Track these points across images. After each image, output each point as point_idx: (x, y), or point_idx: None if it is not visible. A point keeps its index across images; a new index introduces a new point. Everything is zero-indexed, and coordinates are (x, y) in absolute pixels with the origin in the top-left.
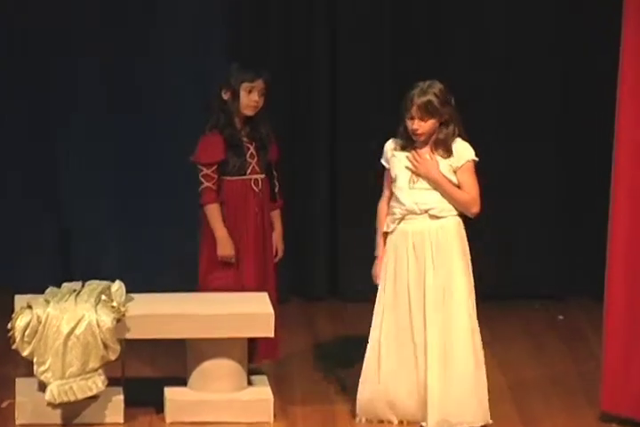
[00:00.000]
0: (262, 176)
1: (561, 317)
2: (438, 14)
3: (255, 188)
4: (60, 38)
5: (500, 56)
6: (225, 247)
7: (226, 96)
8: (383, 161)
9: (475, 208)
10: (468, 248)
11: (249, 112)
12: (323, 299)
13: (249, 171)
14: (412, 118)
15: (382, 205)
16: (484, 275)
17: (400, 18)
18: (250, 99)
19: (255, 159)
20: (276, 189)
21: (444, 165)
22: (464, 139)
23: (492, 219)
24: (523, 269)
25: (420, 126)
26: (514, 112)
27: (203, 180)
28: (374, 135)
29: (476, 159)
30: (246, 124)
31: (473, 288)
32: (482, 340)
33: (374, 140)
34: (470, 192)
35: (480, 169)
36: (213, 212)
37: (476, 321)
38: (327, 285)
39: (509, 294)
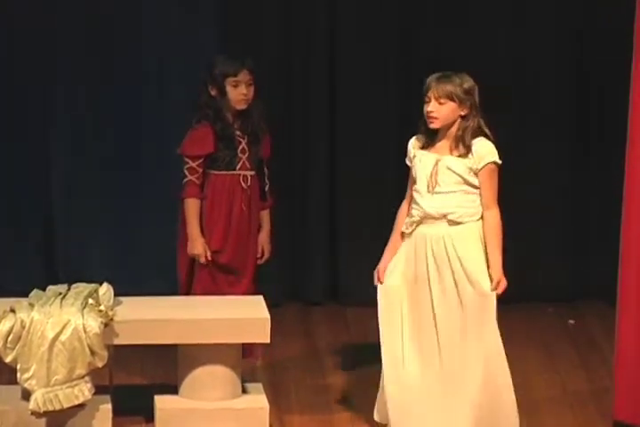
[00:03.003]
0: (252, 173)
1: (572, 321)
2: (440, 13)
3: (243, 184)
4: (49, 39)
5: (503, 55)
6: (195, 246)
7: (213, 92)
8: (407, 160)
9: (498, 220)
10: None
11: (241, 106)
12: (321, 303)
13: (239, 166)
14: (429, 101)
15: (403, 205)
16: None
17: (401, 17)
18: (238, 93)
19: (246, 154)
20: (267, 188)
21: (461, 165)
22: (489, 140)
23: (504, 223)
24: (535, 273)
25: (436, 109)
26: (524, 114)
27: (187, 173)
28: (374, 135)
29: (498, 162)
30: (238, 117)
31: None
32: None
33: None
34: (489, 204)
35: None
36: (191, 206)
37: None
38: (326, 289)
39: (520, 298)
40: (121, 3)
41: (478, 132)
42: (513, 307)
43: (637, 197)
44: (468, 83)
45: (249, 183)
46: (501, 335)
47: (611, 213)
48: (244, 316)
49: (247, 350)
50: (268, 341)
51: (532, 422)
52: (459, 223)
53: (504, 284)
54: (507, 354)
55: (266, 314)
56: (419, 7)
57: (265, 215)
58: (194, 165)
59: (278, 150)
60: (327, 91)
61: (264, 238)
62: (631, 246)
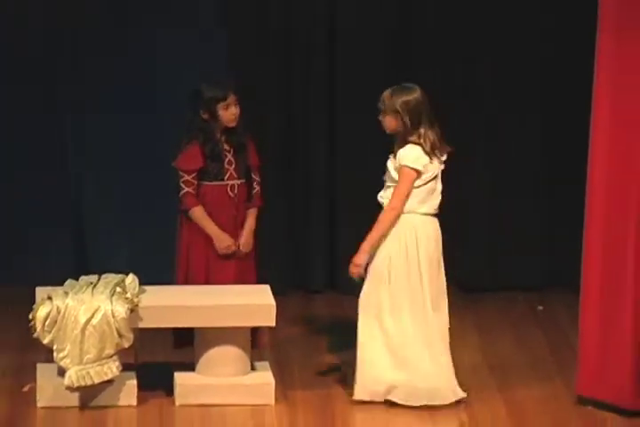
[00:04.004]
0: (239, 182)
1: (540, 307)
2: (437, 14)
3: (231, 193)
4: (60, 39)
5: (501, 56)
6: (222, 240)
7: (205, 116)
8: None
9: (392, 213)
10: (399, 244)
11: (231, 124)
12: (321, 292)
13: (226, 176)
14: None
15: None
16: (470, 268)
17: (400, 17)
18: (230, 113)
19: (233, 165)
20: (254, 192)
21: (392, 165)
22: (424, 150)
23: (476, 215)
24: (506, 263)
25: (382, 118)
26: (500, 111)
27: (183, 185)
28: (374, 135)
29: (412, 166)
30: (225, 132)
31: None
32: (468, 329)
33: None
34: (390, 199)
35: (465, 166)
36: (200, 213)
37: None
38: (325, 279)
39: (493, 286)
40: (132, 5)
41: (413, 142)
42: (487, 295)
43: (600, 192)
44: (409, 98)
45: (236, 191)
46: (477, 320)
47: (577, 209)
48: (253, 302)
49: (254, 341)
50: (274, 324)
51: (506, 397)
52: None
53: (354, 269)
54: (482, 338)
55: (272, 301)
56: (418, 7)
57: (250, 213)
58: (189, 178)
59: (279, 151)
60: (327, 91)
61: (245, 232)
62: (593, 239)
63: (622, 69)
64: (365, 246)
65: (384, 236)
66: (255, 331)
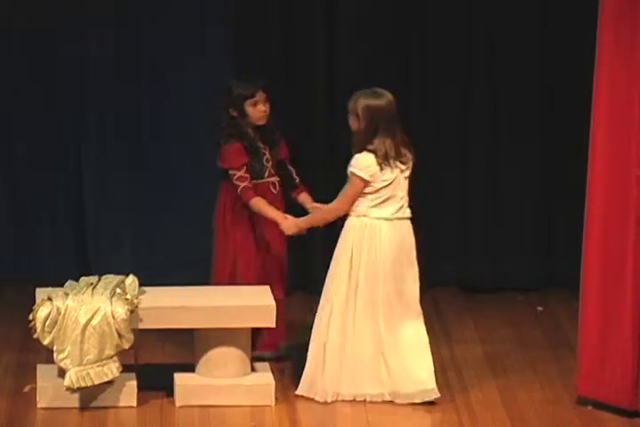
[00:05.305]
0: (277, 179)
1: (540, 308)
2: (437, 13)
3: (273, 190)
4: (60, 39)
5: (501, 55)
6: (289, 226)
7: (234, 113)
8: None
9: (329, 215)
10: (350, 246)
11: (261, 122)
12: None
13: (266, 174)
14: None
15: None
16: (470, 269)
17: (399, 16)
18: (258, 110)
19: (270, 163)
20: (297, 181)
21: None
22: (377, 157)
23: (476, 215)
24: (507, 265)
25: (349, 119)
26: (499, 111)
27: (238, 182)
28: None
29: (358, 174)
30: (258, 131)
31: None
32: (468, 329)
33: None
34: (335, 200)
35: (465, 169)
36: (259, 203)
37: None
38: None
39: (494, 287)
40: (127, 4)
41: (368, 149)
42: (487, 295)
43: (599, 192)
44: (373, 103)
45: (277, 189)
46: (478, 320)
47: (576, 211)
48: (253, 303)
49: (255, 343)
50: (274, 325)
51: (506, 397)
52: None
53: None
54: (482, 338)
55: (271, 302)
56: (418, 7)
57: (304, 197)
58: (241, 173)
59: (287, 147)
60: (327, 91)
61: (314, 207)
62: (592, 239)
63: (622, 67)
64: (301, 223)
65: (344, 242)
66: (257, 334)
